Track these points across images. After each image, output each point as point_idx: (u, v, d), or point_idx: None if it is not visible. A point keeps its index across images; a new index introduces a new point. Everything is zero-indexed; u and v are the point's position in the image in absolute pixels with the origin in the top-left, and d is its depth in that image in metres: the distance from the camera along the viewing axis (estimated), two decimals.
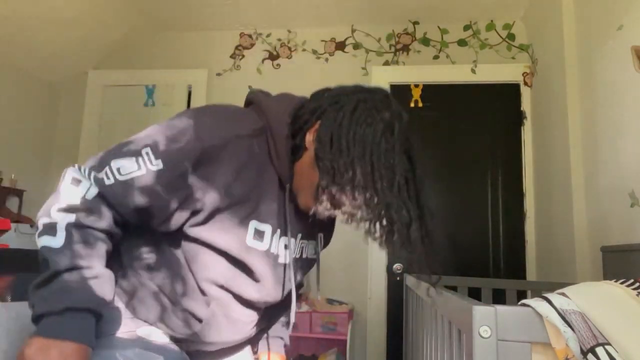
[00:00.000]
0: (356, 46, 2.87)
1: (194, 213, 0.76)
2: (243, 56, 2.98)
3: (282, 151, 0.81)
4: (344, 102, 0.81)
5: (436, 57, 2.78)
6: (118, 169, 0.72)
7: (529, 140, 2.60)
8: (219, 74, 2.97)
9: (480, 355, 0.58)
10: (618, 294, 0.60)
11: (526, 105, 2.64)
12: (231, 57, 2.99)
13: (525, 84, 2.65)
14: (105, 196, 0.72)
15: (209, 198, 0.75)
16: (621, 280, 0.63)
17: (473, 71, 2.71)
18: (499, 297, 2.02)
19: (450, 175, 2.67)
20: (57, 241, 0.69)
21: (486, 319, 0.58)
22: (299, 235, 0.90)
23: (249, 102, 0.95)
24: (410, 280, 1.83)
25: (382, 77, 2.80)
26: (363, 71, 2.83)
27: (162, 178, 0.72)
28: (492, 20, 2.75)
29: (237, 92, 2.93)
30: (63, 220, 0.71)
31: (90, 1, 2.58)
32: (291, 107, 0.86)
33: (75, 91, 3.07)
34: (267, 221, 0.81)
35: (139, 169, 0.72)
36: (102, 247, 0.73)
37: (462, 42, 2.76)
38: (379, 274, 2.60)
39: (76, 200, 0.72)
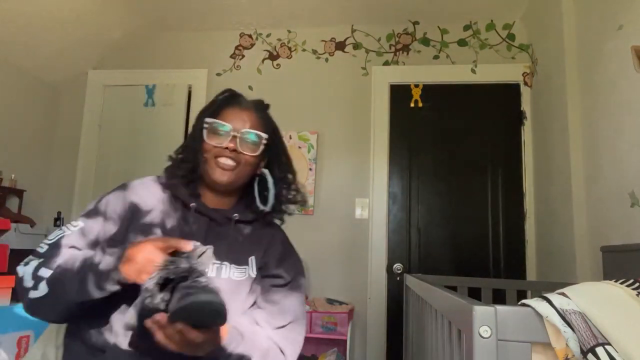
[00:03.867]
0: (356, 46, 2.87)
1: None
2: (243, 56, 2.98)
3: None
4: None
5: (436, 57, 2.78)
6: None
7: (529, 140, 2.60)
8: (219, 74, 2.98)
9: (480, 355, 0.58)
10: (618, 294, 0.60)
11: (526, 105, 2.64)
12: (231, 57, 2.99)
13: (525, 84, 2.65)
14: None
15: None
16: (621, 280, 0.63)
17: (473, 71, 2.71)
18: (499, 297, 2.02)
19: (450, 175, 2.67)
20: None
21: (486, 319, 0.58)
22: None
23: None
24: (410, 280, 1.83)
25: (382, 77, 2.80)
26: (363, 71, 2.83)
27: None
28: (492, 20, 2.75)
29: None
30: None
31: (90, 1, 2.58)
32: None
33: (75, 91, 3.07)
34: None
35: None
36: None
37: (462, 42, 2.76)
38: (379, 274, 2.60)
39: None
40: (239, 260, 1.04)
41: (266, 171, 1.11)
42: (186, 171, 1.06)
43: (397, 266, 2.62)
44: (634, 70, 1.52)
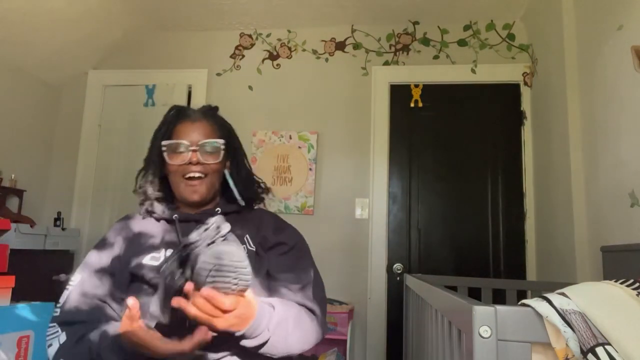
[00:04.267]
0: (356, 46, 2.87)
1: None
2: (243, 56, 2.98)
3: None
4: None
5: (436, 57, 2.78)
6: None
7: (529, 140, 2.60)
8: (219, 74, 2.98)
9: (480, 355, 0.58)
10: (618, 294, 0.60)
11: (526, 105, 2.64)
12: (231, 57, 2.99)
13: (525, 84, 2.65)
14: None
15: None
16: (621, 280, 0.63)
17: (473, 71, 2.71)
18: (499, 297, 2.02)
19: (450, 175, 2.67)
20: None
21: (486, 319, 0.58)
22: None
23: None
24: (410, 280, 1.83)
25: (382, 77, 2.80)
26: (363, 71, 2.83)
27: None
28: (492, 20, 2.75)
29: (237, 92, 2.96)
30: None
31: (90, 1, 2.58)
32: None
33: (75, 91, 3.07)
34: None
35: None
36: None
37: (462, 42, 2.76)
38: (379, 274, 2.60)
39: None
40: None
41: (226, 172, 1.15)
42: (154, 195, 1.12)
43: (397, 266, 2.62)
44: (634, 70, 1.52)
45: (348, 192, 2.72)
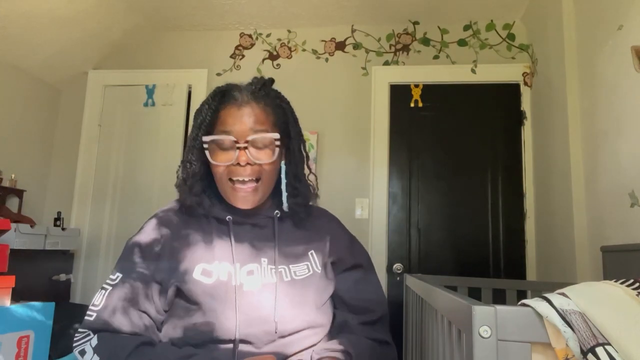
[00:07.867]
0: (356, 46, 2.87)
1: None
2: (243, 56, 2.98)
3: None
4: None
5: (436, 57, 2.78)
6: None
7: (529, 140, 2.60)
8: (219, 74, 2.97)
9: (480, 355, 0.58)
10: (618, 294, 0.60)
11: (526, 105, 2.64)
12: (231, 57, 2.99)
13: (525, 84, 2.65)
14: None
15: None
16: (621, 280, 0.63)
17: (473, 71, 2.71)
18: (499, 297, 2.02)
19: (450, 175, 2.67)
20: None
21: (486, 319, 0.58)
22: (264, 261, 0.92)
23: None
24: (410, 280, 1.82)
25: (382, 77, 2.80)
26: (363, 71, 2.83)
27: None
28: (492, 20, 2.75)
29: None
30: None
31: (90, 1, 2.58)
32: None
33: (75, 91, 3.07)
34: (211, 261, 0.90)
35: None
36: None
37: (462, 42, 2.76)
38: (379, 274, 2.59)
39: None
40: (298, 258, 0.94)
41: (282, 167, 0.97)
42: (199, 193, 0.94)
43: (397, 266, 2.62)
44: (634, 70, 1.52)
45: (348, 192, 2.72)
